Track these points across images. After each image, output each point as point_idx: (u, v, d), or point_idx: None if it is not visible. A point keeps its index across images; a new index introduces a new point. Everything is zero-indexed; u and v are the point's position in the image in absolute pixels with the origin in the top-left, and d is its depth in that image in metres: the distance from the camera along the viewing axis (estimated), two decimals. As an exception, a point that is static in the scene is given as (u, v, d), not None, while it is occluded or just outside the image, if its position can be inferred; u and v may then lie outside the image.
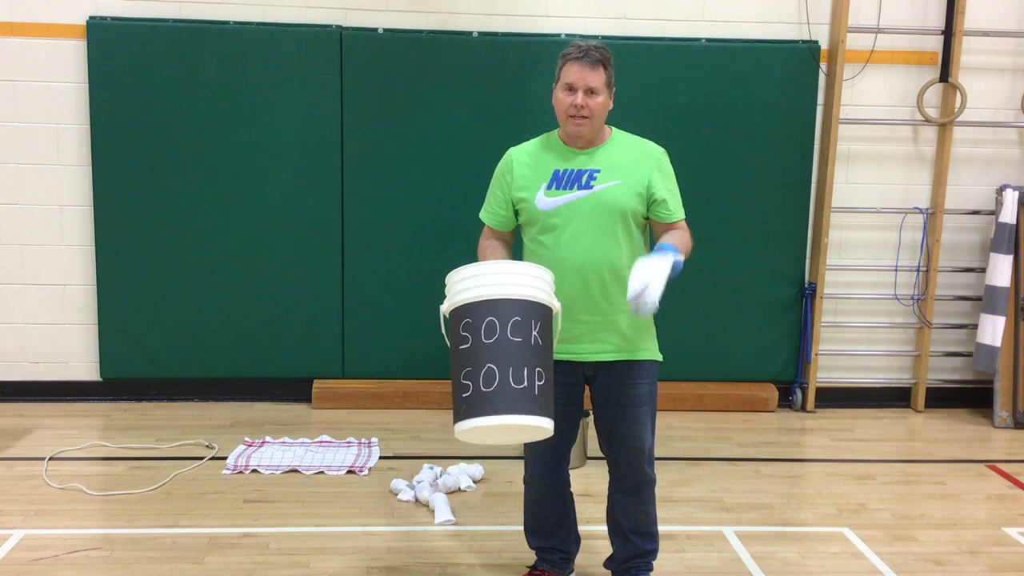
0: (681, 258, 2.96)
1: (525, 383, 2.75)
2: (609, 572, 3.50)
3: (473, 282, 2.85)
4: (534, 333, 2.80)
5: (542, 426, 2.80)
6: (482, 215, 3.34)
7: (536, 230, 3.20)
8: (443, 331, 2.94)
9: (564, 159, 3.19)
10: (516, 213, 3.27)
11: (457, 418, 2.81)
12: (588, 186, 3.14)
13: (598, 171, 3.15)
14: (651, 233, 3.30)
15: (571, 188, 3.14)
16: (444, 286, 2.96)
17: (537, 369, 2.78)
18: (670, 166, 3.25)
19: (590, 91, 3.08)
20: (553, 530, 3.48)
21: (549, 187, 3.16)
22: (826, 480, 4.78)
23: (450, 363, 2.87)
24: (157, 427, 5.26)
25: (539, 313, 2.84)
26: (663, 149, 3.26)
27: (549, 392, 2.83)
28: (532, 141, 3.30)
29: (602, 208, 3.12)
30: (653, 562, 3.43)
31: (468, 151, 5.49)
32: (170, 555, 3.73)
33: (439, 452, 4.90)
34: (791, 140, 5.72)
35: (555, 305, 2.92)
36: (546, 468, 3.37)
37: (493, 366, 2.74)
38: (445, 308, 2.91)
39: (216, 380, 5.73)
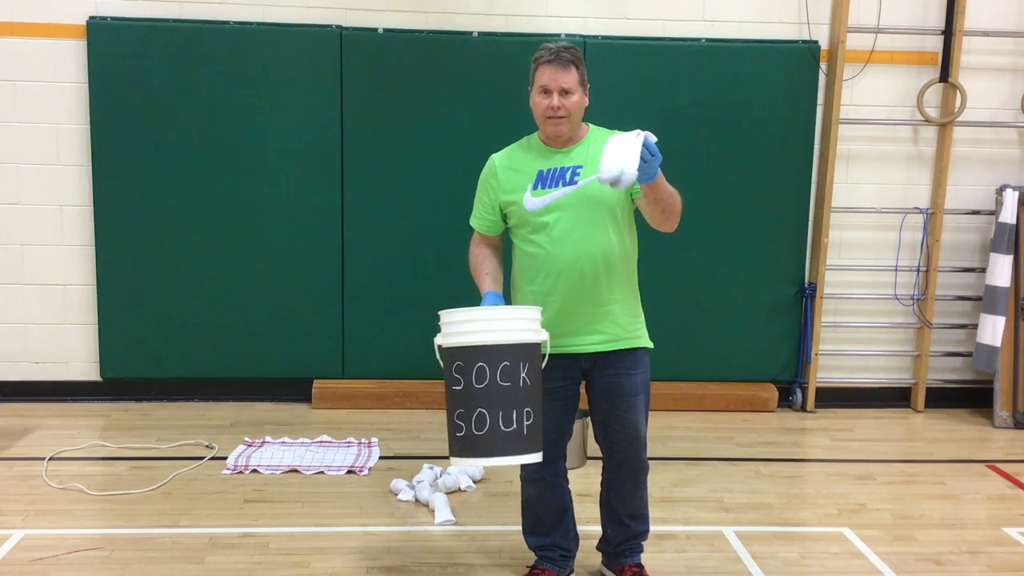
0: (655, 138, 2.89)
1: (514, 425, 2.97)
2: (600, 554, 3.59)
3: (464, 327, 3.00)
4: (522, 375, 2.98)
5: (531, 460, 3.05)
6: (472, 222, 3.42)
7: (527, 231, 3.25)
8: (438, 357, 3.06)
9: (546, 159, 3.25)
10: (504, 217, 3.33)
11: (452, 452, 3.06)
12: (572, 182, 3.19)
13: (580, 167, 3.20)
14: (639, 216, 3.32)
15: (556, 186, 3.20)
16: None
17: (526, 409, 2.99)
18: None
19: (564, 92, 3.15)
20: (552, 527, 3.50)
21: (535, 187, 3.22)
22: (826, 480, 4.78)
23: (444, 395, 3.04)
24: (157, 427, 5.26)
25: (527, 353, 3.01)
26: None
27: (538, 426, 3.05)
28: (512, 145, 3.36)
29: (588, 202, 3.18)
30: (643, 543, 3.55)
31: (468, 151, 5.42)
32: (170, 555, 3.73)
33: (439, 452, 4.90)
34: (791, 140, 5.71)
35: (542, 337, 3.06)
36: (543, 463, 3.37)
37: (484, 411, 2.94)
38: (439, 341, 3.05)
39: (216, 380, 5.73)
